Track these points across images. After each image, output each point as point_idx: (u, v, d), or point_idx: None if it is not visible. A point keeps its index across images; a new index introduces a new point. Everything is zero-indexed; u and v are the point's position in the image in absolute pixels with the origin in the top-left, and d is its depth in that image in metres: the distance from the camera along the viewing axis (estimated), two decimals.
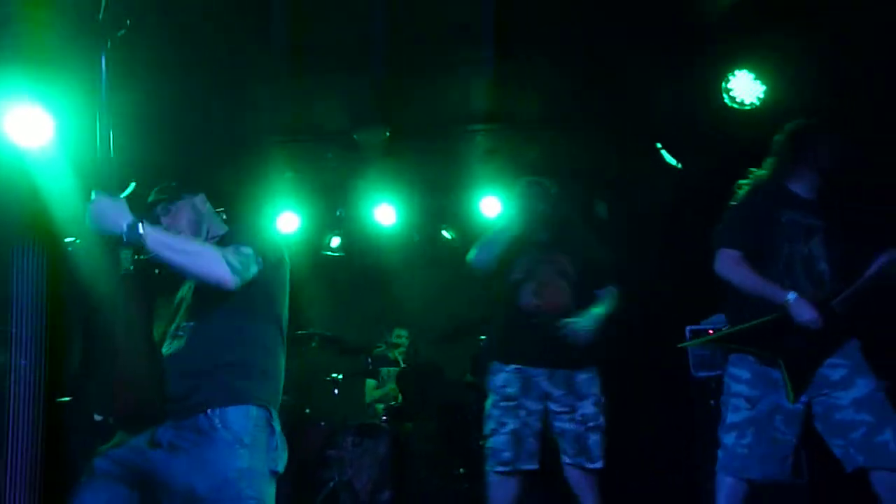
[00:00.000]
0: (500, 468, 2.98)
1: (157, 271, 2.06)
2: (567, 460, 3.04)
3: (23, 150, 3.08)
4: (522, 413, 3.01)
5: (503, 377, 3.06)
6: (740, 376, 2.69)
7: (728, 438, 2.68)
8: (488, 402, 3.08)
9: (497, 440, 3.00)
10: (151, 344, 2.04)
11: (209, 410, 1.95)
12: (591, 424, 3.03)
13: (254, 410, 2.00)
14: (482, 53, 3.55)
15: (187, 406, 1.96)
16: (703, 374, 4.67)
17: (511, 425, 2.99)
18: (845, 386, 2.57)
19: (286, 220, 5.12)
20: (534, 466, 3.00)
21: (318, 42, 3.44)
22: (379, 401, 5.00)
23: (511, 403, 3.02)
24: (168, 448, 1.94)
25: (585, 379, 3.07)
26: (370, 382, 5.14)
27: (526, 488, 3.05)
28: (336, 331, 4.84)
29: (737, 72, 3.78)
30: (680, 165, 4.44)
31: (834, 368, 2.59)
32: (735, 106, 3.73)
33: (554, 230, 3.19)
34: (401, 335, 5.29)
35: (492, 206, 4.88)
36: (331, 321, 5.21)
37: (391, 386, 4.98)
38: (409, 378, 4.73)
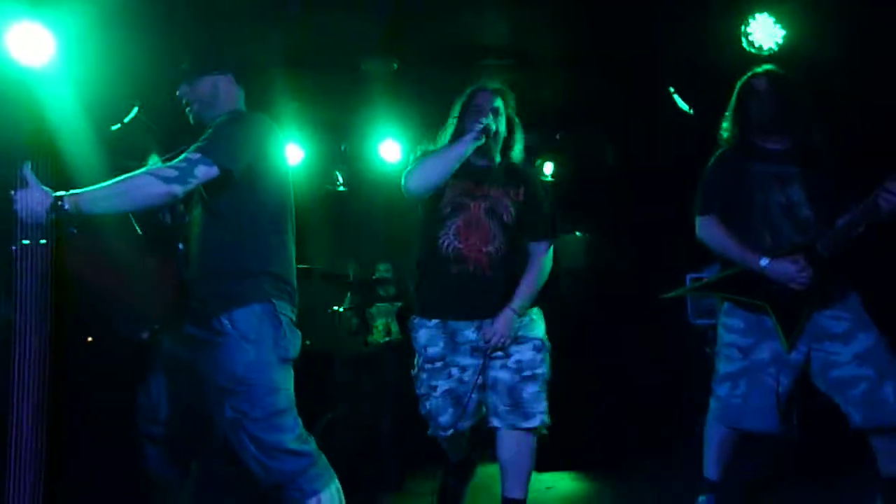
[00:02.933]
0: (441, 433, 2.68)
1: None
2: (496, 423, 2.59)
3: (24, 67, 3.03)
4: (455, 371, 2.65)
5: (425, 334, 2.68)
6: (733, 326, 2.69)
7: (722, 389, 2.70)
8: (415, 361, 2.75)
9: (431, 404, 2.67)
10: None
11: (218, 315, 2.17)
12: (526, 373, 2.59)
13: (257, 308, 2.19)
14: None
15: (201, 312, 2.21)
16: (701, 321, 4.72)
17: (443, 386, 2.65)
18: (846, 340, 2.56)
19: (290, 153, 5.06)
20: (471, 423, 2.70)
21: None
22: (374, 335, 5.06)
23: (437, 365, 2.66)
24: (195, 343, 2.23)
25: (525, 323, 2.65)
26: (380, 321, 5.19)
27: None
28: (338, 266, 4.87)
29: (756, 15, 3.67)
30: (692, 111, 4.36)
31: (837, 321, 2.58)
32: (753, 51, 3.63)
33: (498, 157, 2.73)
34: (385, 269, 5.28)
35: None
36: (333, 256, 5.22)
37: (381, 321, 5.03)
38: (407, 312, 4.76)
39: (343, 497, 2.23)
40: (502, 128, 2.71)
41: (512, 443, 2.56)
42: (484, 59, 4.15)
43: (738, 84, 2.80)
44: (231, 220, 2.21)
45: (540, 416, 2.56)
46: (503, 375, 2.59)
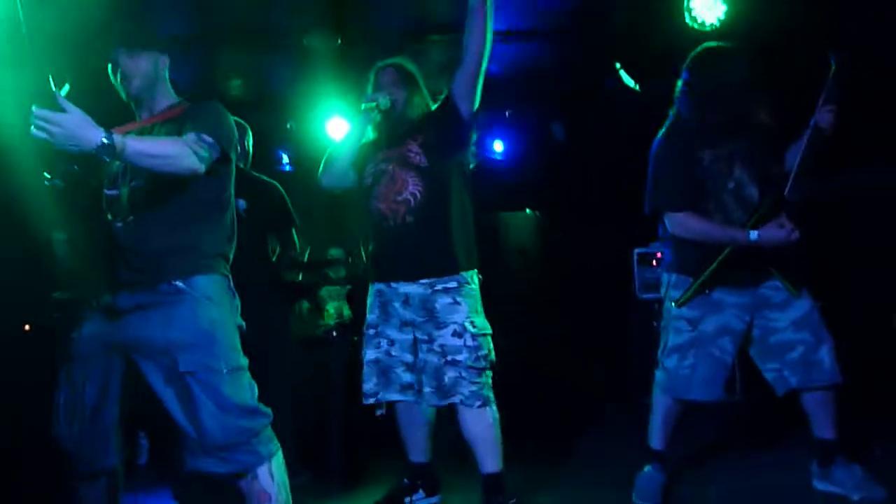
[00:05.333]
0: (366, 400, 2.74)
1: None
2: (428, 403, 2.65)
3: None
4: (383, 343, 2.72)
5: (367, 301, 2.81)
6: None
7: (670, 361, 2.74)
8: None
9: (363, 371, 2.76)
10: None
11: (173, 279, 2.12)
12: (450, 358, 2.58)
13: (217, 277, 2.20)
14: None
15: (147, 278, 2.12)
16: (647, 296, 4.81)
17: (370, 355, 2.74)
18: (783, 307, 2.64)
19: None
20: (407, 398, 2.70)
21: None
22: (326, 318, 5.02)
23: (370, 332, 2.76)
24: (136, 309, 2.12)
25: (447, 304, 2.61)
26: (331, 304, 5.14)
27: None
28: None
29: None
30: (638, 87, 4.40)
31: (775, 291, 2.65)
32: (696, 26, 3.67)
33: (403, 120, 2.78)
34: (337, 254, 5.23)
35: None
36: None
37: (333, 304, 4.99)
38: (359, 295, 4.73)
39: (286, 473, 2.20)
40: (403, 96, 2.79)
41: (467, 419, 2.59)
42: (429, 35, 4.10)
43: (699, 54, 2.72)
44: (192, 197, 2.18)
45: (459, 396, 2.57)
46: (431, 358, 2.62)
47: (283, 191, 3.61)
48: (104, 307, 2.17)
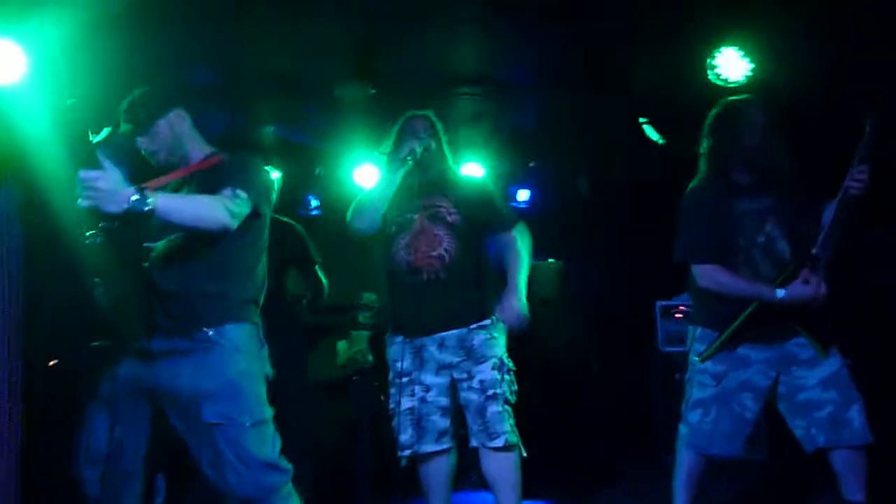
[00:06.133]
0: (401, 452, 2.71)
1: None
2: (473, 442, 2.69)
3: None
4: (418, 390, 2.69)
5: (394, 350, 2.78)
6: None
7: (693, 415, 2.71)
8: (389, 378, 2.82)
9: (395, 422, 2.73)
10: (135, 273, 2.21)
11: (206, 328, 2.15)
12: (489, 393, 2.64)
13: (247, 326, 2.23)
14: (473, 12, 3.49)
15: (181, 324, 2.15)
16: (670, 349, 4.76)
17: (406, 403, 2.70)
18: (812, 365, 2.61)
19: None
20: (443, 447, 2.70)
21: None
22: (348, 362, 5.02)
23: (403, 380, 2.72)
24: (168, 355, 2.16)
25: (484, 340, 2.69)
26: (341, 344, 5.15)
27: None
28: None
29: (723, 48, 3.76)
30: (663, 141, 4.44)
31: (802, 347, 2.63)
32: (720, 83, 3.71)
33: (431, 170, 2.84)
34: (370, 299, 5.27)
35: (474, 171, 4.85)
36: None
37: (358, 348, 4.99)
38: (378, 341, 4.75)
39: None
40: (433, 146, 2.82)
41: (492, 461, 2.64)
42: (457, 88, 4.20)
43: (722, 109, 2.74)
44: (227, 248, 2.20)
45: (504, 435, 2.62)
46: (472, 397, 2.65)
47: (302, 231, 3.66)
48: (138, 351, 2.20)
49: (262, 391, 2.20)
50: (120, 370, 2.21)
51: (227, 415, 2.09)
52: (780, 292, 2.55)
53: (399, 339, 2.75)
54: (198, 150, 2.34)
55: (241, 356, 2.16)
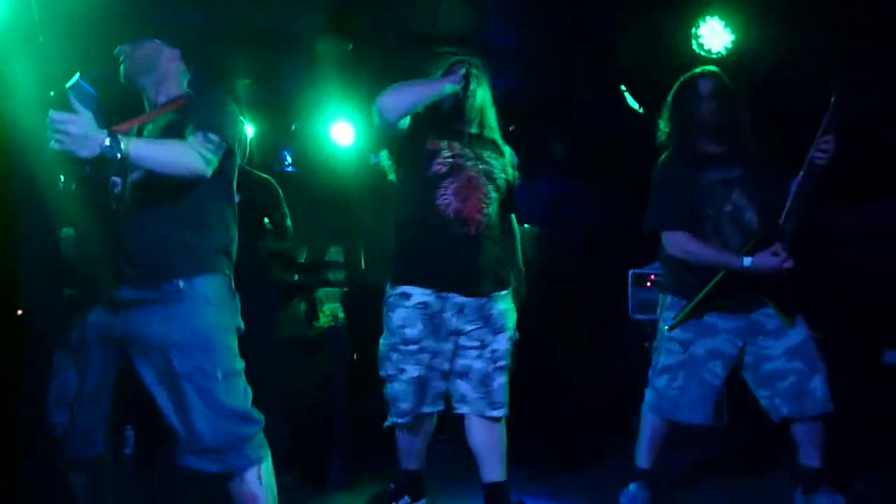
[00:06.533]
0: (399, 419, 2.57)
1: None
2: (465, 409, 2.58)
3: None
4: (426, 357, 2.53)
5: (402, 314, 2.53)
6: None
7: (660, 381, 2.76)
8: (383, 341, 2.59)
9: (394, 388, 2.55)
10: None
11: (175, 279, 2.09)
12: (500, 364, 2.57)
13: (218, 277, 2.17)
14: None
15: (150, 274, 2.11)
16: (640, 316, 4.82)
17: (411, 372, 2.52)
18: (777, 335, 2.66)
19: None
20: (438, 408, 2.61)
21: None
22: (321, 319, 5.01)
23: (411, 347, 2.52)
24: (137, 304, 2.10)
25: (503, 311, 2.59)
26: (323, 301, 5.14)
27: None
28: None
29: (707, 19, 3.77)
30: (642, 110, 4.45)
31: (768, 317, 2.68)
32: (703, 53, 3.72)
33: (477, 118, 2.66)
34: (338, 252, 5.23)
35: None
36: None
37: (329, 305, 4.99)
38: (354, 298, 4.74)
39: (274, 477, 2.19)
40: (480, 95, 2.63)
41: (484, 429, 2.56)
42: (440, 47, 4.14)
43: (678, 84, 2.80)
44: (196, 195, 2.15)
45: (504, 406, 2.58)
46: (478, 365, 2.55)
47: (277, 186, 3.62)
48: (107, 299, 2.17)
49: (234, 343, 2.17)
50: (89, 318, 2.18)
51: (199, 366, 2.06)
52: (747, 261, 2.59)
53: (411, 302, 2.52)
54: (172, 88, 2.27)
55: (212, 308, 2.12)
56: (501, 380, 2.57)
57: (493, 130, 2.72)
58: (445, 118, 2.60)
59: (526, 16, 3.94)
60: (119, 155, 1.85)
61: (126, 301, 2.13)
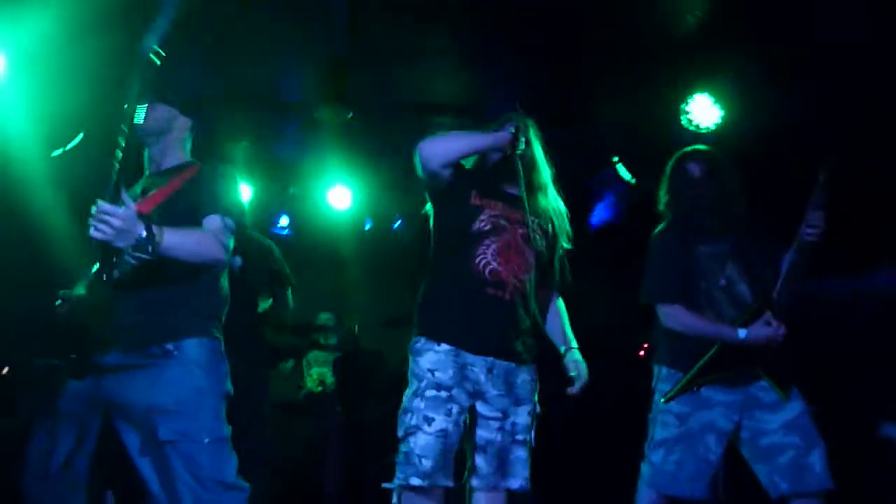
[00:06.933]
0: (418, 481, 2.22)
1: None
2: (475, 483, 2.35)
3: None
4: (454, 409, 2.26)
5: (432, 358, 2.32)
6: None
7: (656, 455, 2.72)
8: (408, 392, 2.35)
9: (417, 442, 2.24)
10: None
11: (164, 342, 2.08)
12: (519, 437, 2.37)
13: (207, 341, 2.16)
14: (453, 43, 3.55)
15: (138, 336, 2.07)
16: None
17: (440, 423, 2.24)
18: (774, 409, 2.63)
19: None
20: (452, 484, 2.30)
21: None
22: (312, 383, 4.96)
23: (442, 394, 2.27)
24: (122, 370, 2.08)
25: (527, 381, 2.41)
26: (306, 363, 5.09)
27: None
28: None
29: (696, 95, 3.87)
30: (634, 181, 4.52)
31: (765, 391, 2.66)
32: (692, 129, 3.82)
33: (524, 190, 2.45)
34: (329, 318, 5.21)
35: None
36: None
37: (317, 370, 4.95)
38: (346, 363, 4.70)
39: None
40: (533, 153, 2.50)
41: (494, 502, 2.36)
42: (437, 116, 4.23)
43: (671, 164, 2.85)
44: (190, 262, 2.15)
45: (522, 479, 2.38)
46: (496, 437, 2.35)
47: (277, 251, 3.63)
48: (93, 366, 2.10)
49: (221, 408, 2.13)
50: (71, 385, 2.12)
51: (184, 432, 2.02)
52: (742, 332, 2.61)
53: (443, 347, 2.33)
54: (174, 157, 2.32)
55: (201, 371, 2.10)
56: (521, 454, 2.38)
57: (546, 193, 2.56)
58: (493, 175, 2.49)
59: (519, 87, 4.05)
60: (151, 248, 1.91)
61: (112, 366, 2.09)
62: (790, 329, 2.60)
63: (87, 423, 2.11)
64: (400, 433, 2.31)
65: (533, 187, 2.50)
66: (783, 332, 2.58)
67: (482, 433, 2.35)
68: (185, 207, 2.15)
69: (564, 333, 2.61)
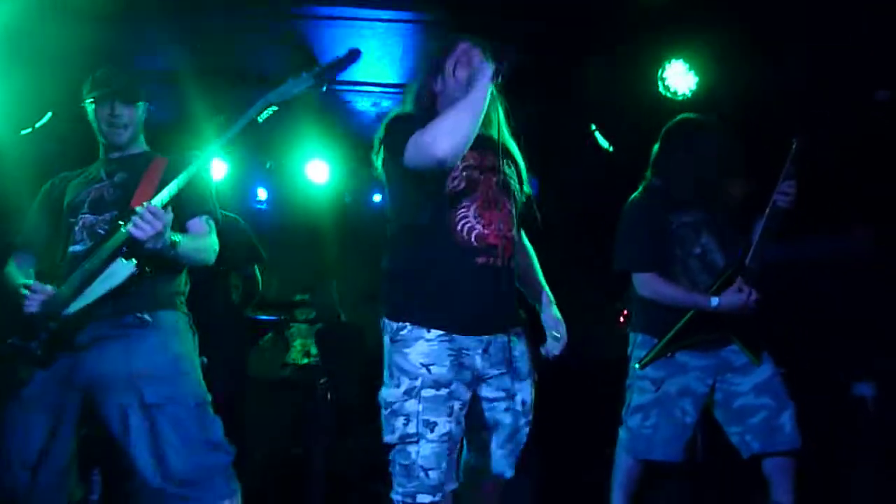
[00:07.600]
0: (428, 498, 1.93)
1: None
2: (475, 470, 2.13)
3: None
4: (456, 406, 1.95)
5: (424, 350, 1.96)
6: None
7: (633, 420, 2.77)
8: (390, 393, 1.99)
9: (421, 453, 1.92)
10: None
11: (138, 312, 2.12)
12: (529, 417, 2.12)
13: (179, 314, 2.23)
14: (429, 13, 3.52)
15: (113, 308, 2.09)
16: None
17: (444, 427, 1.93)
18: (745, 372, 2.69)
19: (215, 167, 4.97)
20: (457, 484, 2.03)
21: None
22: (292, 354, 4.98)
23: (442, 393, 1.94)
24: (97, 341, 2.09)
25: (522, 353, 2.12)
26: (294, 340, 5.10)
27: None
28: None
29: (672, 61, 3.88)
30: (611, 148, 4.53)
31: (736, 354, 2.71)
32: (668, 95, 3.83)
33: (492, 119, 2.10)
34: (305, 296, 5.21)
35: None
36: None
37: (300, 341, 4.96)
38: (328, 337, 4.72)
39: None
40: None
41: (489, 494, 2.15)
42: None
43: (676, 126, 2.79)
44: None
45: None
46: (507, 419, 2.08)
47: (246, 226, 3.61)
48: (67, 345, 2.09)
49: (201, 375, 2.19)
50: (38, 372, 2.09)
51: (171, 395, 2.05)
52: (715, 300, 2.65)
53: (434, 335, 1.97)
54: (137, 145, 2.37)
55: (178, 339, 2.16)
56: (524, 438, 2.13)
57: (506, 134, 2.19)
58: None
59: (500, 57, 4.01)
60: (173, 253, 2.05)
61: (87, 342, 2.09)
62: (761, 294, 2.64)
63: (62, 404, 2.09)
64: (391, 439, 1.98)
65: (496, 125, 2.13)
66: (755, 298, 2.62)
67: (490, 414, 2.08)
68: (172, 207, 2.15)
69: (539, 283, 2.26)
